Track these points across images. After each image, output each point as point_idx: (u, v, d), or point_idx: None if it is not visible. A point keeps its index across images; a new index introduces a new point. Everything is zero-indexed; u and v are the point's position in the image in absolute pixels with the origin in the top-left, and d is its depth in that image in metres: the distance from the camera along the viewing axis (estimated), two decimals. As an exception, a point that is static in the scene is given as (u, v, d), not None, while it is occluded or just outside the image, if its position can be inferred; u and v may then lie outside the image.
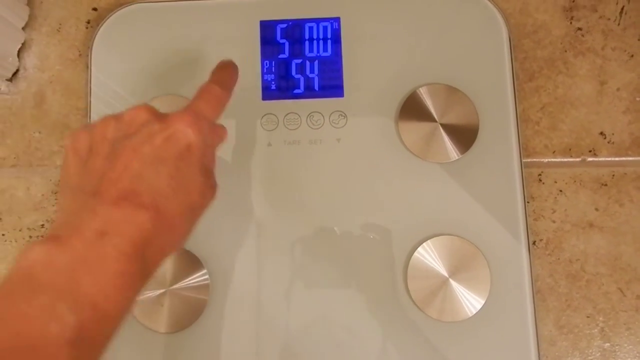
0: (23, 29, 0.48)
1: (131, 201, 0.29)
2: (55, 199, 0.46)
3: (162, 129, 0.31)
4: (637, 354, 0.43)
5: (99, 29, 0.46)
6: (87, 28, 0.48)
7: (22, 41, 0.48)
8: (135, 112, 0.33)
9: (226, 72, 0.39)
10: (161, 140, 0.31)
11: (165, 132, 0.31)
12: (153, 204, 0.30)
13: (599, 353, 0.43)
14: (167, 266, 0.43)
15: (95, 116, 0.45)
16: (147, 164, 0.30)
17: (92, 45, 0.46)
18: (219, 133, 0.36)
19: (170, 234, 0.31)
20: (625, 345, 0.43)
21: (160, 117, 0.32)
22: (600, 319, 0.44)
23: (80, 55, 0.48)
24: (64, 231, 0.28)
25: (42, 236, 0.44)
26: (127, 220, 0.29)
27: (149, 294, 0.42)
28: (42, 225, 0.46)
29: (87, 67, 0.46)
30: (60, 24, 0.49)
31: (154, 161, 0.31)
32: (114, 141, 0.32)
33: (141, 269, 0.29)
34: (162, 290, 0.42)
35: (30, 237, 0.46)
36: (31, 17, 0.48)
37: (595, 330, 0.44)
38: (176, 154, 0.31)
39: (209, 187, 0.34)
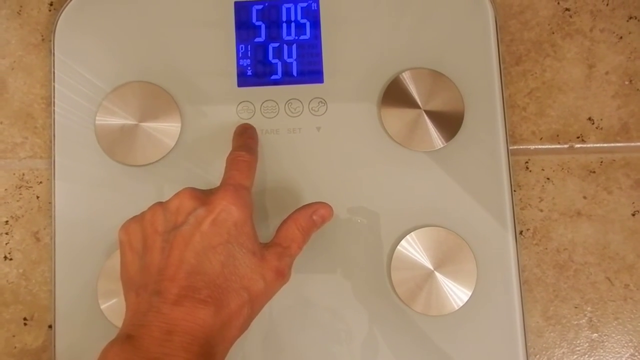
0: (-20, 11, 0.45)
1: (191, 298, 0.31)
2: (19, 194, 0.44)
3: (207, 212, 0.33)
4: (626, 344, 0.43)
5: (62, 11, 0.44)
6: (50, 10, 0.46)
7: (-20, 25, 0.45)
8: (180, 200, 0.34)
9: (246, 136, 0.40)
10: (208, 225, 0.32)
11: (211, 215, 0.33)
12: (212, 297, 0.31)
13: (587, 344, 0.43)
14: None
15: (59, 103, 0.43)
16: (200, 254, 0.32)
17: (55, 28, 0.44)
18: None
19: (233, 322, 0.32)
20: (614, 335, 0.43)
21: (203, 199, 0.34)
22: (588, 309, 0.43)
23: (43, 39, 0.45)
24: (134, 331, 0.30)
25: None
26: (190, 317, 0.30)
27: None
28: (6, 222, 0.43)
29: (51, 52, 0.43)
30: (21, 6, 0.46)
31: (206, 250, 0.32)
32: (165, 233, 0.33)
33: None
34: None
35: (-7, 234, 0.43)
36: (-11, -1, 0.45)
37: (583, 320, 0.43)
38: (225, 237, 0.33)
39: (269, 269, 0.34)
